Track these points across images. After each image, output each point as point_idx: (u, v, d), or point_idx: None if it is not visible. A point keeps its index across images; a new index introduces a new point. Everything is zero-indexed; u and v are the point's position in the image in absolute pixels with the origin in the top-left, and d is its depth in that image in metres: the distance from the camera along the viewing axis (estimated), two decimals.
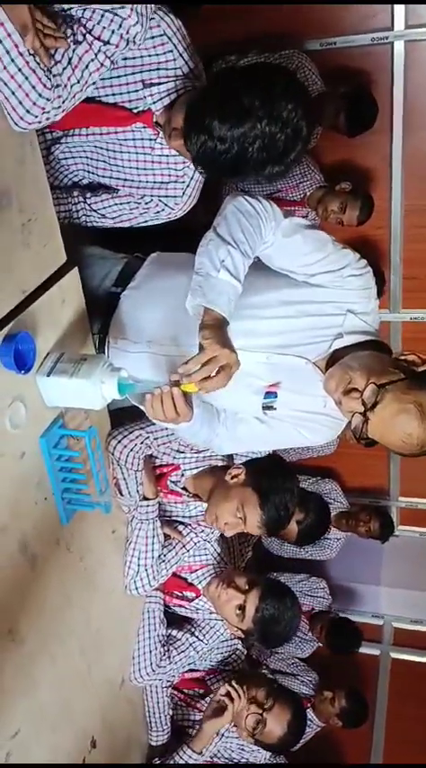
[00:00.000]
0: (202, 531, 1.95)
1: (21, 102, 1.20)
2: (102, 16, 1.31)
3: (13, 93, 1.19)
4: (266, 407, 1.52)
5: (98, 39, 1.31)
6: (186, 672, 2.11)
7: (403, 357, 1.43)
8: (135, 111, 1.60)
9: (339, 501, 3.48)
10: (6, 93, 1.19)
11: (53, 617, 1.48)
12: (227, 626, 1.96)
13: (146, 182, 1.70)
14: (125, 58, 1.49)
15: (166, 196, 1.71)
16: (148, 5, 1.40)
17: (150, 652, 1.94)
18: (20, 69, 1.17)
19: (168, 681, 2.06)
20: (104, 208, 1.75)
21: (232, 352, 1.26)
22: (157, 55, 1.52)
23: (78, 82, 1.31)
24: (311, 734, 2.84)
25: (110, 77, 1.54)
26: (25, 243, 1.31)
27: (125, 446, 1.73)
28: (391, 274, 3.21)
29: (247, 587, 1.89)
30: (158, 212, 1.74)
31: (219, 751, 2.13)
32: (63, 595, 1.52)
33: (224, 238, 1.36)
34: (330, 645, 3.16)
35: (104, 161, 1.70)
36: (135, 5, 1.33)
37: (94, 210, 1.75)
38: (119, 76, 1.55)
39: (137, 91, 1.57)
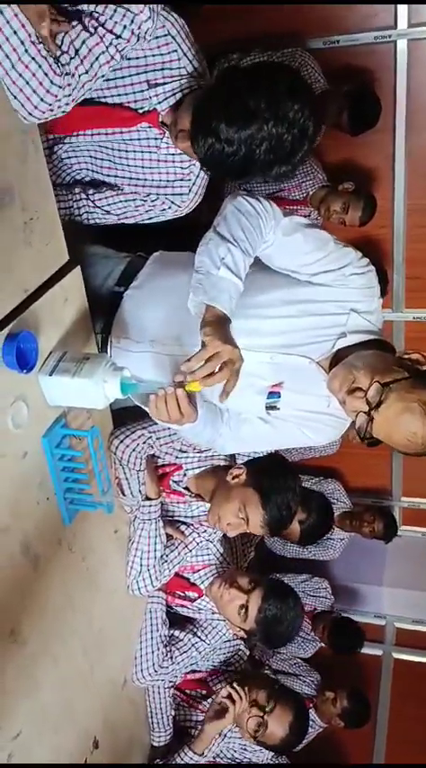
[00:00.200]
0: (205, 531, 1.94)
1: (35, 91, 1.21)
2: (115, 11, 1.31)
3: (28, 83, 1.19)
4: (269, 407, 1.52)
5: (110, 32, 1.32)
6: (188, 672, 2.11)
7: (406, 356, 1.42)
8: (140, 111, 1.59)
9: (342, 501, 3.47)
10: (21, 84, 1.19)
11: (55, 617, 1.48)
12: (230, 626, 1.96)
13: (153, 180, 1.69)
14: (129, 59, 1.48)
15: (173, 194, 1.71)
16: (154, 5, 1.39)
17: (152, 652, 1.94)
18: (33, 58, 1.18)
19: (170, 681, 2.06)
20: (109, 204, 1.74)
21: (234, 348, 1.25)
22: (162, 55, 1.52)
23: (87, 72, 1.31)
24: (313, 734, 2.83)
25: (115, 78, 1.54)
26: (27, 241, 1.31)
27: (127, 446, 1.73)
28: (394, 274, 3.20)
29: (250, 587, 1.89)
30: (164, 210, 1.74)
31: (222, 751, 2.14)
32: (65, 596, 1.52)
33: (224, 237, 1.35)
34: (332, 645, 3.15)
35: (110, 160, 1.69)
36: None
37: (98, 207, 1.75)
38: (123, 77, 1.55)
39: (142, 91, 1.57)
